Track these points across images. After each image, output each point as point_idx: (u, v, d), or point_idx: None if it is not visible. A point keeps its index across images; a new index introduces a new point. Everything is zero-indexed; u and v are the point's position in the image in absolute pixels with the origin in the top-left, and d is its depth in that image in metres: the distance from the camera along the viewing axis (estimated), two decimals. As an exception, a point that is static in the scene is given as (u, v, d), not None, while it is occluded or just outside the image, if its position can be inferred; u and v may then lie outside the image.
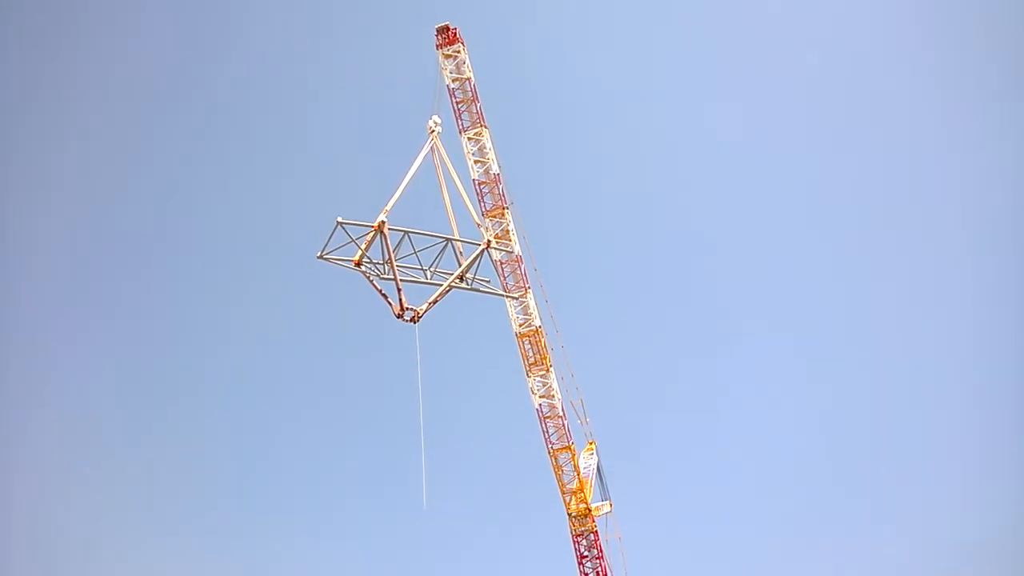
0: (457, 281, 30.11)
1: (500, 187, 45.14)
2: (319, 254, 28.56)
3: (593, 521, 45.51)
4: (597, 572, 44.92)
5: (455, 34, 44.57)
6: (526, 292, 45.16)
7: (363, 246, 28.12)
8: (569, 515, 46.04)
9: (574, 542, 45.66)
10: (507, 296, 44.22)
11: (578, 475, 46.28)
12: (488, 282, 31.12)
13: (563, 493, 46.16)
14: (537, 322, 45.60)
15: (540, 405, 46.09)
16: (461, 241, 30.03)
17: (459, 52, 44.52)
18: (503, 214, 45.03)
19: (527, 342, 45.72)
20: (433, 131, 33.54)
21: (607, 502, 47.37)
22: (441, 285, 29.05)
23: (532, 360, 45.97)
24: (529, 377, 46.08)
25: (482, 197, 44.96)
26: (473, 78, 44.69)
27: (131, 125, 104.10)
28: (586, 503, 45.72)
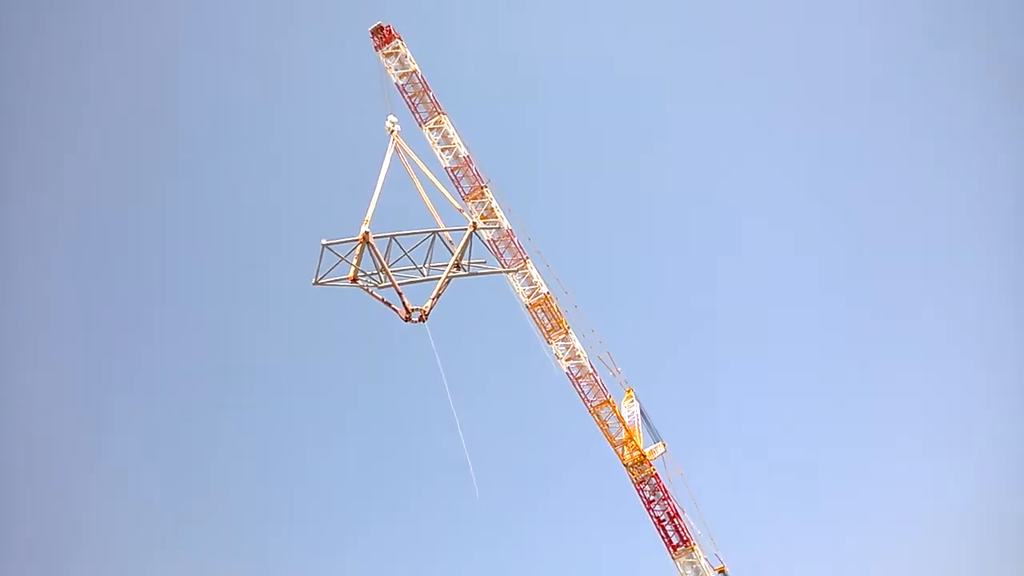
0: (454, 270, 30.16)
1: (473, 168, 45.03)
2: (314, 280, 28.63)
3: (650, 465, 45.75)
4: (667, 513, 45.22)
5: (391, 31, 44.34)
6: (525, 263, 45.14)
7: (354, 261, 28.15)
8: (626, 466, 46.26)
9: (637, 490, 45.94)
10: (507, 271, 44.27)
11: (624, 425, 46.46)
12: (484, 263, 31.18)
13: (614, 446, 46.37)
14: (544, 289, 45.59)
15: (569, 368, 46.17)
16: (448, 231, 30.03)
17: (399, 48, 44.29)
18: (483, 194, 44.94)
19: (539, 311, 45.73)
20: (392, 131, 33.46)
21: (659, 443, 47.56)
22: (439, 279, 29.10)
23: (549, 327, 46.00)
24: (551, 344, 46.14)
25: (458, 183, 44.87)
26: (419, 69, 44.49)
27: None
28: (639, 449, 45.92)
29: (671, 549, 44.80)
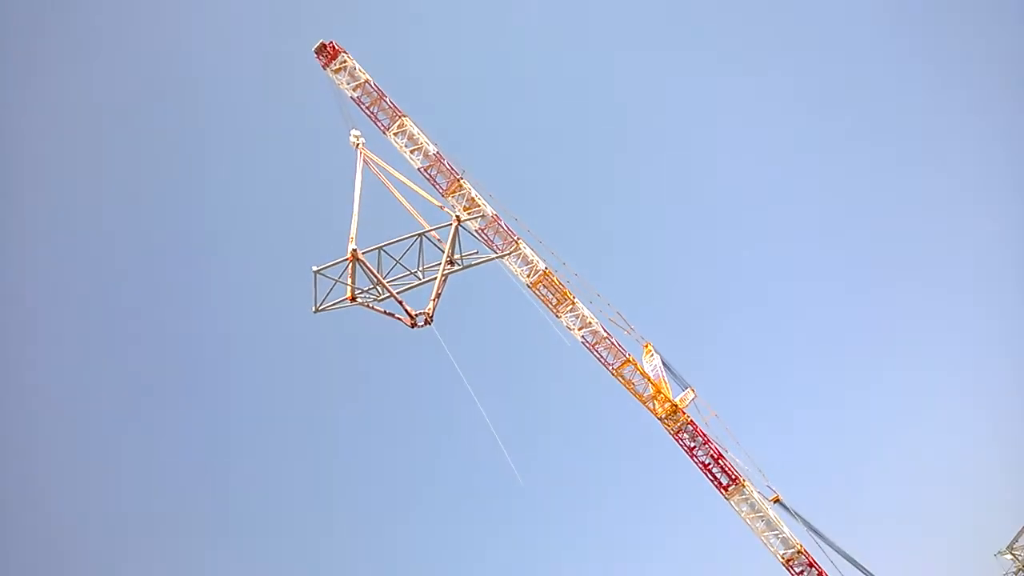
0: (448, 267, 30.15)
1: (446, 163, 44.83)
2: (315, 309, 28.61)
3: (684, 413, 45.75)
4: (711, 456, 45.28)
5: (334, 47, 44.05)
6: (517, 244, 45.05)
7: (348, 281, 28.10)
8: (660, 419, 46.27)
9: (676, 440, 45.96)
10: (501, 256, 44.13)
11: (649, 380, 46.46)
12: (476, 253, 31.13)
13: (644, 403, 46.38)
14: (541, 265, 45.52)
15: (583, 336, 46.15)
16: (433, 229, 29.93)
17: (346, 61, 44.02)
18: (460, 186, 44.76)
19: (541, 288, 45.67)
20: (358, 145, 33.51)
21: (687, 390, 47.55)
22: (435, 279, 29.04)
23: (555, 301, 45.95)
24: (560, 317, 46.10)
25: (434, 180, 44.70)
26: (371, 78, 44.22)
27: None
28: (669, 400, 45.93)
29: (722, 490, 44.91)
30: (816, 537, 45.18)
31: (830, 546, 45.07)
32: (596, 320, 46.11)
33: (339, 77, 43.59)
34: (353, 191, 31.02)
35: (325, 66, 43.60)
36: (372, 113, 44.30)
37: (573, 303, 46.00)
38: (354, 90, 43.72)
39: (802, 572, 43.94)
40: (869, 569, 46.79)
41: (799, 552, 43.88)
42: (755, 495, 44.60)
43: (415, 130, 44.38)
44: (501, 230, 45.61)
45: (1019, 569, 30.64)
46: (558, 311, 46.20)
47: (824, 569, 43.96)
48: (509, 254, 44.40)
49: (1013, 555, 30.85)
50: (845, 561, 45.78)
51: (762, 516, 44.41)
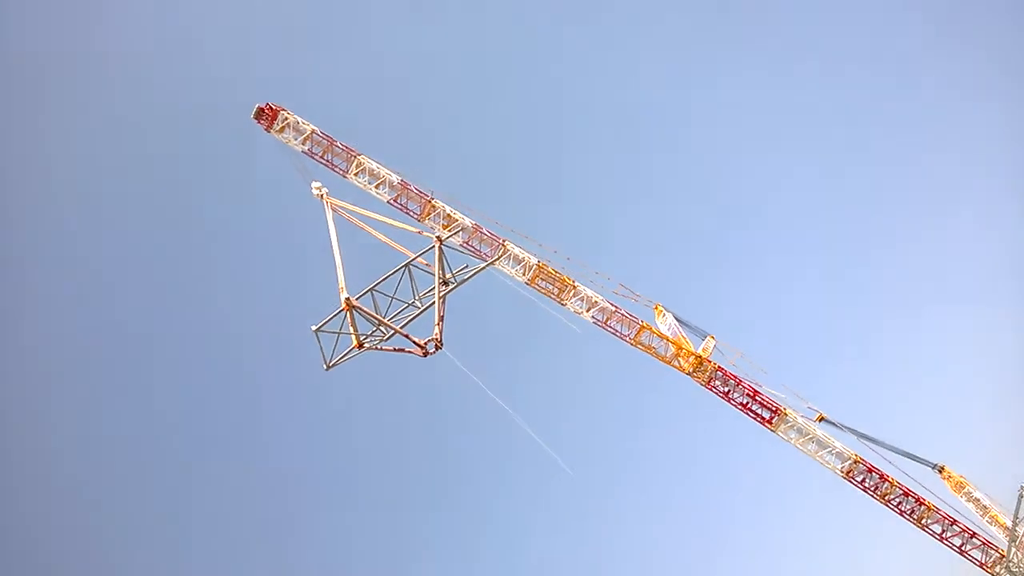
0: (444, 287, 30.45)
1: (412, 188, 44.98)
2: (326, 366, 28.85)
3: (710, 362, 45.90)
4: (747, 395, 45.48)
5: (271, 108, 44.19)
6: (504, 246, 45.22)
7: (351, 330, 28.29)
8: (689, 375, 46.48)
9: (710, 390, 46.15)
10: (492, 263, 44.23)
11: (668, 340, 46.69)
12: (466, 267, 31.36)
13: (669, 363, 46.57)
14: (533, 260, 45.67)
15: (593, 316, 46.33)
16: (417, 256, 30.13)
17: (287, 118, 44.16)
18: (433, 206, 44.93)
19: (540, 281, 45.82)
20: (321, 196, 33.72)
21: (707, 338, 47.72)
22: (434, 303, 29.28)
23: (557, 291, 46.10)
24: (566, 304, 46.26)
25: (406, 208, 44.87)
26: (316, 127, 44.35)
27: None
28: (693, 354, 46.12)
29: (767, 424, 45.11)
30: (868, 443, 45.49)
31: (883, 446, 45.39)
32: (601, 297, 46.27)
33: (285, 135, 43.76)
34: (330, 242, 31.32)
35: (268, 128, 43.77)
36: (327, 160, 44.46)
37: (575, 287, 46.15)
38: (303, 143, 43.88)
39: (863, 479, 44.19)
40: (925, 457, 47.22)
41: (856, 462, 44.11)
42: (799, 420, 44.82)
43: (373, 165, 44.54)
44: (485, 237, 45.78)
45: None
46: (562, 299, 46.34)
47: (883, 470, 44.23)
48: (499, 258, 44.53)
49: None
50: (900, 456, 46.22)
51: (811, 438, 44.63)
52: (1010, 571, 34.42)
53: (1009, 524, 39.75)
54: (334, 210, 33.21)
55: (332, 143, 44.17)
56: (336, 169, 44.37)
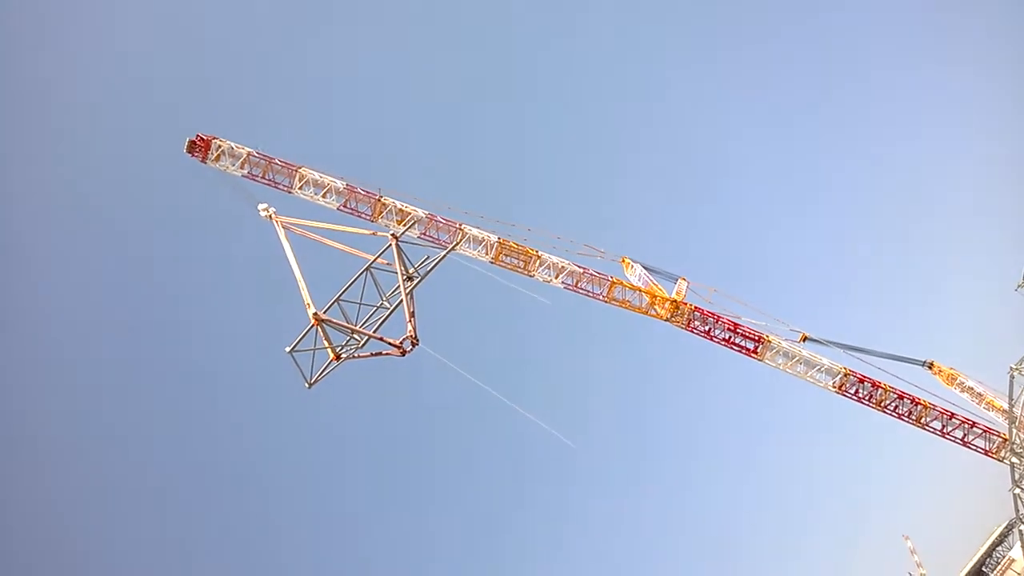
0: (409, 283, 30.29)
1: (359, 190, 44.38)
2: (308, 385, 28.65)
3: (686, 304, 46.08)
4: (728, 329, 45.73)
5: (203, 139, 43.21)
6: (461, 230, 44.88)
7: (325, 344, 28.02)
8: (669, 320, 46.60)
9: (692, 331, 46.35)
10: (453, 248, 43.91)
11: (640, 290, 46.79)
12: (427, 259, 31.14)
13: (646, 313, 46.69)
14: (494, 238, 45.41)
15: (563, 282, 46.25)
16: (376, 257, 29.83)
17: (220, 146, 43.25)
18: (383, 204, 44.40)
19: (504, 258, 45.60)
20: (270, 216, 33.26)
21: (679, 281, 47.83)
22: (402, 300, 29.10)
23: (522, 264, 45.92)
24: (534, 275, 46.10)
25: (357, 211, 44.30)
26: (251, 149, 43.50)
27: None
28: (668, 300, 46.26)
29: (752, 355, 45.44)
30: (854, 353, 46.06)
31: (869, 354, 45.97)
32: (567, 262, 46.20)
33: (222, 163, 42.87)
34: (288, 261, 30.91)
35: (203, 160, 42.83)
36: (270, 180, 43.63)
37: (539, 257, 46.00)
38: (241, 168, 43.04)
39: (856, 390, 44.77)
40: (913, 356, 47.97)
41: (846, 375, 44.64)
42: (783, 344, 45.22)
43: (316, 175, 43.84)
44: (441, 224, 45.38)
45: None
46: (529, 271, 46.18)
47: (874, 378, 44.81)
48: (458, 243, 44.17)
49: (1033, 287, 31.38)
50: (888, 360, 46.81)
51: (798, 359, 45.08)
52: (1015, 452, 35.06)
53: (1006, 407, 40.37)
54: (285, 228, 32.75)
55: (271, 161, 43.38)
56: (280, 187, 43.60)
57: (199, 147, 42.77)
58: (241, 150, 43.17)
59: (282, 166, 43.48)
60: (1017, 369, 34.31)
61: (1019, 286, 33.24)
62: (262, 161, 43.24)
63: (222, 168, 43.12)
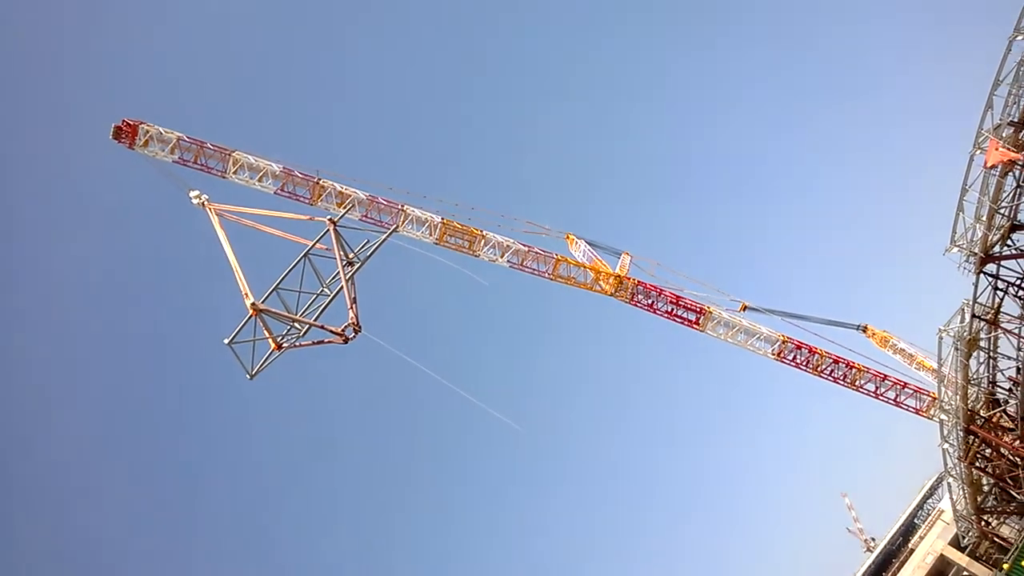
0: (349, 268, 29.76)
1: (296, 173, 43.53)
2: (250, 376, 28.02)
3: (629, 279, 46.54)
4: (670, 302, 46.37)
5: (129, 124, 41.76)
6: (403, 211, 44.45)
7: (265, 334, 27.46)
8: (613, 295, 47.01)
9: (635, 305, 46.87)
10: (395, 230, 43.43)
11: (585, 266, 47.06)
12: (367, 243, 30.64)
13: (591, 289, 47.03)
14: (437, 219, 45.10)
15: (509, 260, 46.24)
16: (314, 244, 29.26)
17: (148, 131, 41.88)
18: (322, 187, 43.65)
19: (449, 238, 45.34)
20: (202, 203, 32.28)
21: (622, 256, 48.22)
22: (342, 287, 28.59)
23: (467, 244, 45.74)
24: (479, 255, 45.97)
25: (295, 195, 43.48)
26: (180, 134, 42.23)
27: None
28: (612, 275, 46.64)
29: (695, 326, 46.25)
30: (792, 320, 47.16)
31: (806, 319, 47.14)
32: (512, 240, 46.19)
33: (150, 149, 41.54)
34: (223, 249, 30.12)
35: (131, 146, 41.43)
36: (202, 164, 42.51)
37: (483, 236, 45.87)
38: (171, 153, 41.78)
39: (794, 357, 45.96)
40: (848, 320, 49.34)
41: (784, 342, 45.78)
42: (723, 314, 46.08)
43: (250, 159, 42.83)
44: (383, 206, 44.83)
45: (968, 256, 32.30)
46: (474, 250, 46.02)
47: (811, 344, 46.03)
48: (399, 225, 43.76)
49: (958, 248, 32.56)
50: (827, 326, 48.10)
51: (739, 329, 46.04)
52: (944, 410, 36.40)
53: (935, 366, 41.92)
54: (219, 215, 31.85)
55: (202, 146, 42.19)
56: (213, 171, 42.50)
57: (126, 133, 41.35)
58: (170, 135, 41.88)
59: (215, 150, 42.35)
60: (945, 330, 35.42)
61: (947, 250, 34.28)
62: (193, 146, 42.05)
63: (151, 154, 41.82)
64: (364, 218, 43.82)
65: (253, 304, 27.11)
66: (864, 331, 52.56)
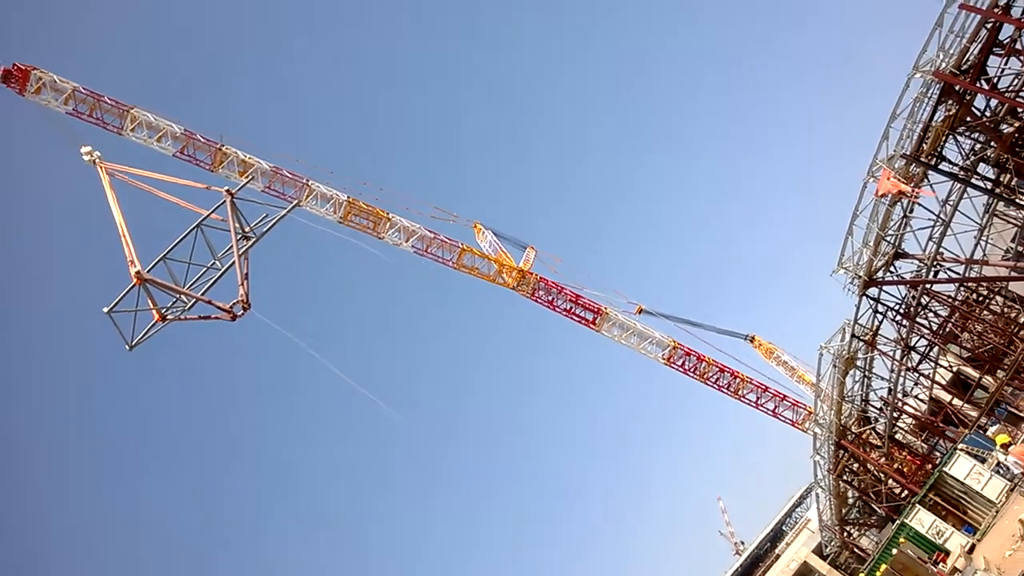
0: (244, 243, 28.93)
1: (198, 137, 41.94)
2: (129, 347, 26.89)
3: (531, 273, 47.05)
4: (569, 300, 47.14)
5: (20, 68, 39.26)
6: (308, 186, 43.50)
7: (149, 304, 26.42)
8: (515, 289, 47.40)
9: (536, 301, 47.42)
10: (297, 204, 42.47)
11: (489, 258, 47.25)
12: (266, 217, 29.82)
13: (494, 281, 47.26)
14: (343, 196, 44.32)
15: (414, 246, 45.91)
16: (209, 214, 28.25)
17: (41, 78, 39.49)
18: (224, 153, 42.22)
19: (354, 217, 44.64)
20: (94, 161, 30.67)
21: (527, 249, 48.67)
22: (234, 261, 27.76)
23: (372, 225, 45.14)
24: (383, 238, 45.47)
25: (195, 159, 41.89)
26: (77, 84, 40.01)
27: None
28: (515, 268, 47.01)
29: (591, 326, 47.16)
30: (684, 325, 48.71)
31: (697, 327, 48.78)
32: (419, 226, 45.89)
33: (43, 97, 39.20)
34: (112, 212, 28.75)
35: (21, 92, 38.99)
36: (98, 119, 40.40)
37: (389, 219, 45.38)
38: (65, 103, 39.55)
39: (683, 362, 47.51)
40: (737, 330, 51.29)
41: (675, 347, 47.24)
42: (619, 316, 47.14)
43: (150, 117, 40.98)
44: (287, 179, 43.72)
45: (853, 278, 33.98)
46: (379, 232, 45.46)
47: (700, 351, 47.69)
48: (304, 199, 42.82)
49: (844, 269, 34.20)
50: (718, 334, 49.85)
51: (632, 331, 47.21)
52: (818, 424, 38.37)
53: (814, 381, 44.19)
54: (111, 175, 30.36)
55: (99, 99, 40.09)
56: (109, 127, 40.48)
57: (16, 78, 38.88)
58: (65, 84, 39.63)
59: (112, 105, 40.33)
60: (826, 348, 37.27)
61: (834, 271, 35.93)
62: (89, 98, 39.91)
63: (43, 103, 39.47)
64: (267, 190, 42.68)
65: (138, 272, 26.00)
66: (751, 341, 54.73)
